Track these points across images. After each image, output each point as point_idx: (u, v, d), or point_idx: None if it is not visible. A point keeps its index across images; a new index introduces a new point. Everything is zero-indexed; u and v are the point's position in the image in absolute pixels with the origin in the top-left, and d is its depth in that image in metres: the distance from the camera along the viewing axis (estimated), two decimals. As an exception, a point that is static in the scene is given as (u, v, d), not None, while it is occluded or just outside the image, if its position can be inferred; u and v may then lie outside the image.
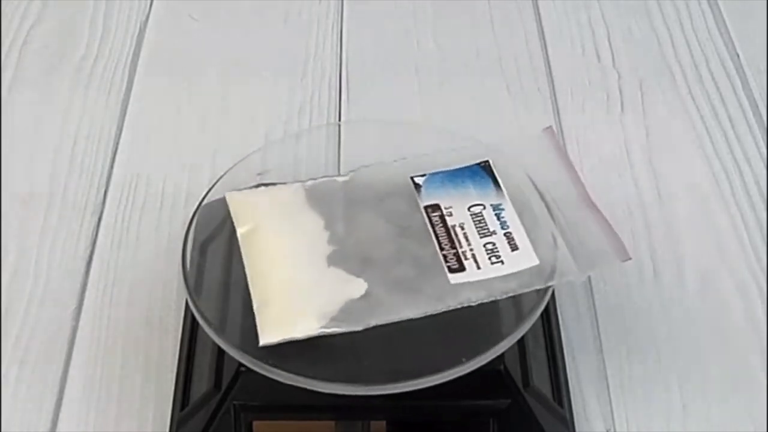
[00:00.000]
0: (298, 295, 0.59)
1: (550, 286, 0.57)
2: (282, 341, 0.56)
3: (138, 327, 0.69)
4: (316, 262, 0.60)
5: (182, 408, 0.62)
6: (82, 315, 0.70)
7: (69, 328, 0.69)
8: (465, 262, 0.59)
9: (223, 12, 0.95)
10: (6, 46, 0.91)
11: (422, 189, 0.63)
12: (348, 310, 0.57)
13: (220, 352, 0.61)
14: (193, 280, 0.61)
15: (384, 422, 0.58)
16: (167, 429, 0.62)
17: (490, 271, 0.58)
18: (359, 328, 0.56)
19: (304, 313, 0.57)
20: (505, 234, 0.60)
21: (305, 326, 0.56)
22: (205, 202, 0.65)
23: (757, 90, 0.87)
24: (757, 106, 0.86)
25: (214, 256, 0.63)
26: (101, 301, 0.70)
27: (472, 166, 0.64)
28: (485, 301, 0.57)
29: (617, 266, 0.59)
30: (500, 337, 0.57)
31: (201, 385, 0.62)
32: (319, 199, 0.64)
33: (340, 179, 0.65)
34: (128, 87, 0.87)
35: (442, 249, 0.59)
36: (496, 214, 0.61)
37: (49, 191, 0.78)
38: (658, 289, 0.72)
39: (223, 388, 0.59)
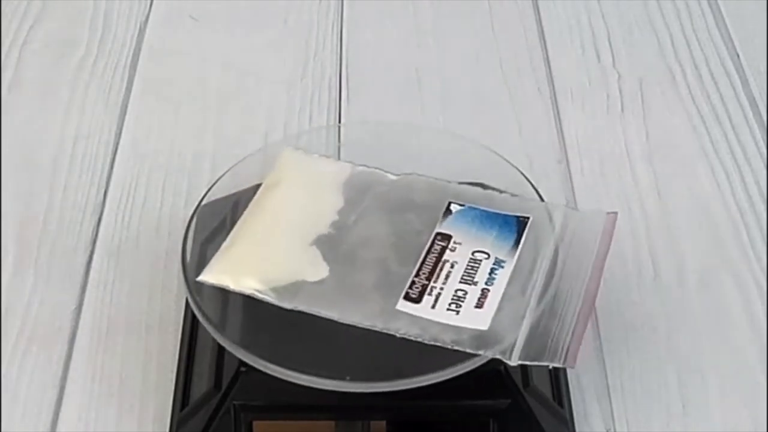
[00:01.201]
0: (262, 255, 0.61)
1: (477, 354, 0.55)
2: (215, 285, 0.59)
3: (138, 327, 0.69)
4: (304, 237, 0.62)
5: (182, 408, 0.62)
6: (82, 315, 0.70)
7: (69, 328, 0.69)
8: (425, 297, 0.58)
9: (223, 12, 0.95)
10: (6, 46, 0.91)
11: (450, 216, 0.62)
12: (293, 288, 0.59)
13: (220, 352, 0.61)
14: (194, 278, 0.61)
15: (384, 422, 0.58)
16: (167, 429, 0.62)
17: (440, 315, 0.57)
18: (288, 306, 0.57)
19: (254, 272, 0.59)
20: (483, 289, 0.58)
21: (244, 283, 0.59)
22: (206, 201, 0.65)
23: (757, 90, 0.87)
24: (757, 106, 0.86)
25: (214, 252, 0.63)
26: (101, 301, 0.70)
27: (511, 216, 0.62)
28: (411, 338, 0.56)
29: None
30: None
31: (201, 385, 0.62)
32: (355, 185, 0.65)
33: (390, 177, 0.65)
34: (128, 87, 0.87)
35: (416, 275, 0.59)
36: (492, 268, 0.59)
37: (49, 191, 0.78)
38: (658, 289, 0.72)
39: (223, 388, 0.59)
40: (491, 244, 0.61)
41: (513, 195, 0.64)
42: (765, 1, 0.95)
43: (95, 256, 0.73)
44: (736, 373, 0.67)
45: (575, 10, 0.96)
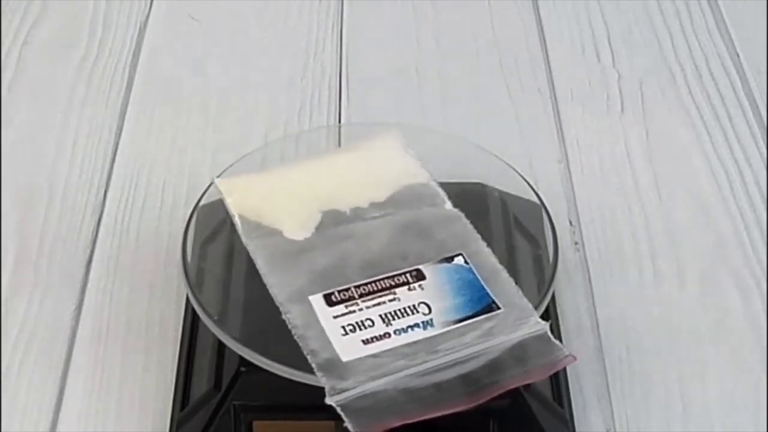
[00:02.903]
0: (274, 192, 0.64)
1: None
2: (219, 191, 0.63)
3: (138, 327, 0.69)
4: (323, 201, 0.63)
5: (182, 408, 0.62)
6: (82, 315, 0.70)
7: (69, 328, 0.69)
8: (340, 306, 0.57)
9: (223, 12, 0.95)
10: (6, 46, 0.91)
11: (445, 264, 0.60)
12: (264, 231, 0.61)
13: (221, 352, 0.61)
14: (194, 274, 0.61)
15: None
16: (167, 429, 0.62)
17: (330, 325, 0.56)
18: (243, 241, 0.61)
19: (251, 200, 0.63)
20: (386, 332, 0.56)
21: (234, 202, 0.63)
22: (206, 201, 0.65)
23: (757, 90, 0.87)
24: (757, 106, 0.86)
25: (214, 252, 0.63)
26: (101, 301, 0.70)
27: (487, 297, 0.58)
28: (287, 324, 0.56)
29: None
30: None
31: (201, 385, 0.62)
32: (408, 192, 0.64)
33: (447, 206, 0.63)
34: (128, 87, 0.87)
35: (357, 286, 0.58)
36: (416, 323, 0.57)
37: (49, 191, 0.78)
38: (658, 289, 0.72)
39: (223, 388, 0.59)
40: (443, 306, 0.58)
41: (518, 289, 0.59)
42: (765, 1, 0.95)
43: (95, 256, 0.73)
44: (736, 373, 0.67)
45: (575, 10, 0.96)
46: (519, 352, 0.55)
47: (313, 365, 0.55)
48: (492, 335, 0.56)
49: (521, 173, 0.67)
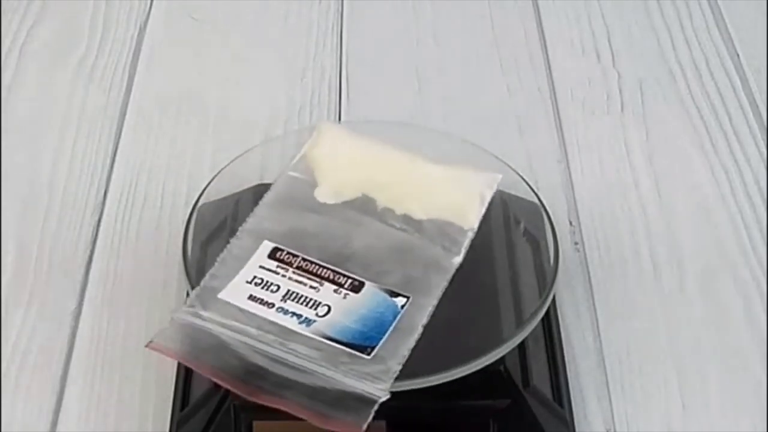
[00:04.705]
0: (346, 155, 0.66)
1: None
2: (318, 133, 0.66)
3: (138, 327, 0.69)
4: (363, 182, 0.65)
5: (182, 408, 0.62)
6: (82, 315, 0.70)
7: (69, 328, 0.69)
8: (280, 262, 0.60)
9: (223, 12, 0.95)
10: (6, 46, 0.90)
11: (374, 290, 0.59)
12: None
13: (220, 352, 0.61)
14: (194, 274, 0.61)
15: (384, 422, 0.58)
16: (167, 429, 0.62)
17: (250, 270, 0.59)
18: (282, 175, 0.65)
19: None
20: (281, 289, 0.58)
21: (318, 142, 0.66)
22: (206, 200, 0.65)
23: (757, 90, 0.87)
24: (757, 106, 0.86)
25: (214, 252, 0.63)
26: (101, 301, 0.70)
27: (355, 344, 0.57)
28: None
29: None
30: (501, 340, 0.58)
31: (201, 385, 0.62)
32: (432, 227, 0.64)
33: (456, 259, 0.62)
34: (128, 87, 0.87)
35: (305, 260, 0.60)
36: (302, 306, 0.58)
37: (49, 191, 0.78)
38: (658, 289, 0.72)
39: (223, 388, 0.59)
40: (336, 320, 0.57)
41: (404, 357, 0.56)
42: (765, 1, 0.95)
43: (95, 256, 0.73)
44: (736, 373, 0.67)
45: (575, 10, 0.96)
46: (335, 395, 0.54)
47: (200, 283, 0.58)
48: (334, 367, 0.55)
49: (521, 173, 0.67)
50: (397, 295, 0.59)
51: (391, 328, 0.57)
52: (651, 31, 0.94)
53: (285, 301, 0.58)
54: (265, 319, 0.57)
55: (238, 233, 0.62)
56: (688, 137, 0.83)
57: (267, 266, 0.60)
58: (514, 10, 0.96)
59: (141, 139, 0.83)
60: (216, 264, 0.60)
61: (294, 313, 0.57)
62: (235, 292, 0.58)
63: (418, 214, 0.63)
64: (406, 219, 0.63)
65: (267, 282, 0.59)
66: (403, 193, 0.64)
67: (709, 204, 0.78)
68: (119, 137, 0.83)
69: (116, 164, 0.80)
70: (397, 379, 0.55)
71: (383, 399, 0.53)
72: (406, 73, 0.89)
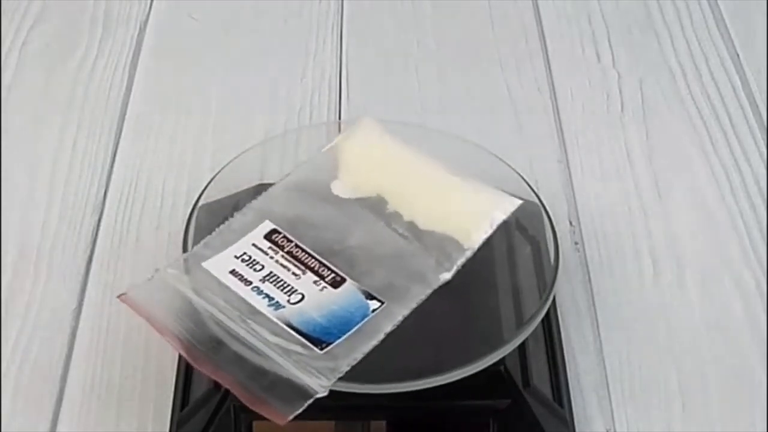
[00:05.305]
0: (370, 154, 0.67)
1: None
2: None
3: (138, 327, 0.69)
4: (377, 177, 0.65)
5: (182, 408, 0.62)
6: (82, 315, 0.70)
7: (69, 328, 0.69)
8: (273, 244, 0.60)
9: (223, 12, 0.95)
10: (6, 46, 0.90)
11: (353, 288, 0.59)
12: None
13: (220, 352, 0.61)
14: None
15: (384, 422, 0.58)
16: (167, 429, 0.62)
17: (242, 245, 0.60)
18: (309, 158, 0.66)
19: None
20: (264, 269, 0.59)
21: (354, 134, 0.67)
22: (206, 200, 0.65)
23: (757, 90, 0.87)
24: (757, 106, 0.86)
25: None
26: (101, 301, 0.70)
27: (312, 337, 0.57)
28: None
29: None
30: (501, 342, 0.58)
31: (201, 385, 0.62)
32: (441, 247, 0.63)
33: (445, 275, 0.61)
34: (128, 87, 0.87)
35: (297, 246, 0.60)
36: (278, 289, 0.58)
37: (49, 191, 0.78)
38: (658, 289, 0.72)
39: (223, 388, 0.59)
40: (304, 311, 0.57)
41: (355, 359, 0.56)
42: (765, 1, 0.95)
43: (95, 256, 0.73)
44: (736, 373, 0.67)
45: (575, 10, 0.96)
46: (274, 380, 0.54)
47: (191, 248, 0.60)
48: (285, 354, 0.55)
49: (521, 173, 0.67)
50: (373, 298, 0.59)
51: (355, 329, 0.57)
52: (651, 31, 0.94)
53: (263, 282, 0.58)
54: (236, 294, 0.58)
55: (244, 209, 0.63)
56: (688, 137, 0.83)
57: (259, 245, 0.60)
58: (514, 10, 0.96)
59: (141, 139, 0.83)
60: (213, 234, 0.61)
61: (267, 295, 0.58)
62: (220, 263, 0.59)
63: (423, 223, 0.63)
64: (411, 226, 0.63)
65: (253, 260, 0.59)
66: (416, 201, 0.64)
67: (709, 204, 0.78)
68: (119, 137, 0.83)
69: (116, 164, 0.80)
70: (399, 380, 0.55)
71: (320, 395, 0.53)
72: (406, 73, 0.89)
